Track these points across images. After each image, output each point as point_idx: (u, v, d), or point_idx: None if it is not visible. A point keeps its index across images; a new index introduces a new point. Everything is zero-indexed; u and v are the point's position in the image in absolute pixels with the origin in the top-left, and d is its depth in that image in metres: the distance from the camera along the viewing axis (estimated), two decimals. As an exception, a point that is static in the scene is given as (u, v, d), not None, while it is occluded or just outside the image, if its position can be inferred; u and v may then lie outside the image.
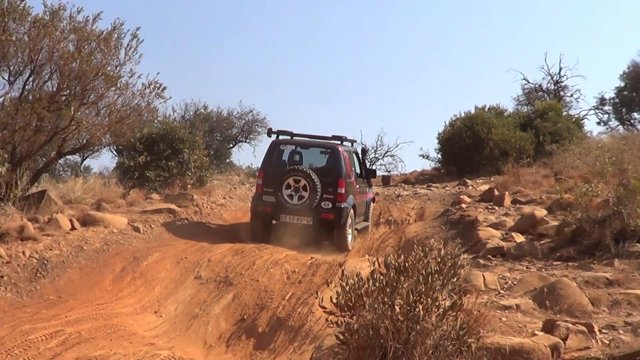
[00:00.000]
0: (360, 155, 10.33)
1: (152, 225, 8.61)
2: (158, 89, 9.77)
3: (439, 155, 18.63)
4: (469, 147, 16.43)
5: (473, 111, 18.30)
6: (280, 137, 9.41)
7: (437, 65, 47.41)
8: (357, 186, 9.44)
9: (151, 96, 9.79)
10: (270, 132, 9.46)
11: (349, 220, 8.83)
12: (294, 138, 9.47)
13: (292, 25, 50.30)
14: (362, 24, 50.12)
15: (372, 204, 10.77)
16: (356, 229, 9.41)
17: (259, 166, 9.42)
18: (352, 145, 9.96)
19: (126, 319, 5.48)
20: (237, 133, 24.78)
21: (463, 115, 17.97)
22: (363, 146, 11.17)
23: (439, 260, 3.30)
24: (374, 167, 18.70)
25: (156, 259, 7.11)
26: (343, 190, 8.64)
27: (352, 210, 8.91)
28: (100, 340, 4.86)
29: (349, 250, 8.78)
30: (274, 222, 8.84)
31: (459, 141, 16.72)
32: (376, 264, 3.31)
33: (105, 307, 5.75)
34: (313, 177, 8.52)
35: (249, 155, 35.59)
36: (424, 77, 46.47)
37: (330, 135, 9.47)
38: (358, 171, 9.83)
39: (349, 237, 8.89)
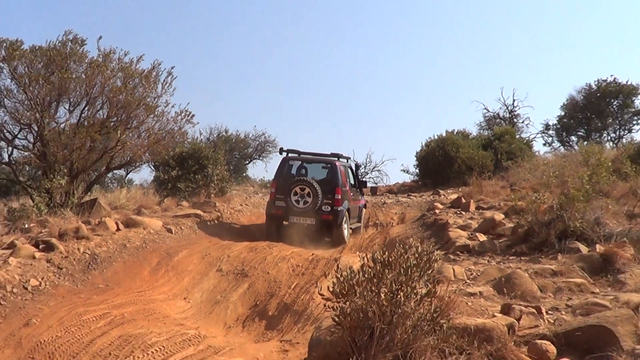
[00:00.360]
0: (354, 169, 10.54)
1: (182, 227, 8.58)
2: (188, 116, 9.87)
3: (417, 170, 18.49)
4: (441, 163, 16.38)
5: (444, 134, 18.14)
6: (290, 155, 9.60)
7: (416, 95, 47.66)
8: (352, 194, 9.61)
9: (182, 122, 9.92)
10: (281, 151, 9.64)
11: (345, 220, 8.99)
12: (300, 155, 9.67)
13: (298, 62, 50.59)
14: (357, 61, 50.38)
15: (364, 209, 10.92)
16: (351, 228, 9.54)
17: (272, 178, 9.55)
18: (347, 161, 10.14)
19: (160, 304, 5.44)
20: (252, 152, 24.57)
21: (436, 137, 17.83)
22: (356, 162, 11.25)
23: (417, 255, 3.28)
24: (365, 179, 18.63)
25: (185, 255, 7.07)
26: (339, 197, 8.84)
27: (347, 213, 9.09)
28: (140, 321, 4.83)
29: (346, 243, 8.86)
30: (284, 222, 8.98)
31: (433, 158, 16.67)
32: (365, 259, 3.30)
33: (144, 294, 5.73)
34: (315, 186, 8.74)
35: (262, 170, 35.67)
36: (406, 105, 46.67)
37: (330, 153, 9.67)
38: (352, 182, 9.98)
39: (345, 233, 9.05)
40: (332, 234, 8.90)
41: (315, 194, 8.73)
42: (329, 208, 8.80)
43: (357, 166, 11.39)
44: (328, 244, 8.80)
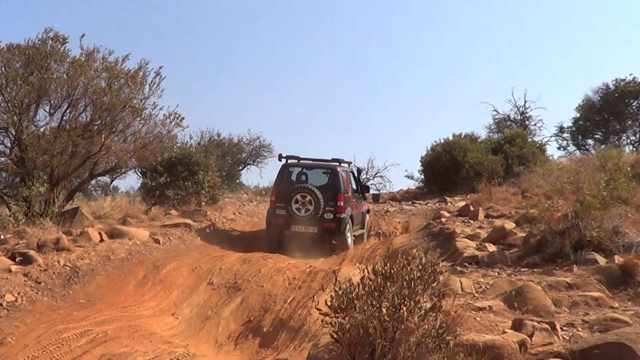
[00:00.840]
0: (355, 174, 10.83)
1: (171, 238, 8.60)
2: (177, 118, 9.91)
3: (422, 176, 18.45)
4: (447, 168, 16.35)
5: (451, 138, 18.11)
6: (289, 161, 9.81)
7: (420, 97, 47.66)
8: (354, 200, 9.90)
9: (171, 125, 9.97)
10: (280, 157, 9.84)
11: (348, 228, 9.31)
12: (300, 161, 9.88)
13: (295, 62, 50.83)
14: (356, 61, 50.66)
15: (367, 215, 11.21)
16: (354, 235, 9.79)
17: (272, 185, 9.90)
18: (349, 166, 10.41)
19: (147, 320, 5.43)
20: (246, 157, 24.59)
21: (442, 141, 17.82)
22: (358, 167, 11.58)
23: (421, 267, 3.28)
24: (367, 184, 18.68)
25: (174, 267, 7.08)
26: (342, 203, 9.14)
27: (350, 220, 9.39)
28: (124, 339, 4.80)
29: (349, 248, 9.13)
30: (285, 231, 9.22)
31: (439, 164, 16.64)
32: (366, 271, 3.30)
33: (129, 309, 5.71)
34: (317, 193, 9.00)
35: (256, 176, 35.52)
36: (410, 107, 46.68)
37: (331, 159, 9.89)
38: (354, 187, 10.24)
39: (349, 241, 9.39)
40: (336, 240, 9.19)
41: (317, 201, 8.98)
42: (332, 215, 9.08)
43: (359, 171, 11.76)
44: (331, 253, 8.93)
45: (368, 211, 11.52)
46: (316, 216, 9.01)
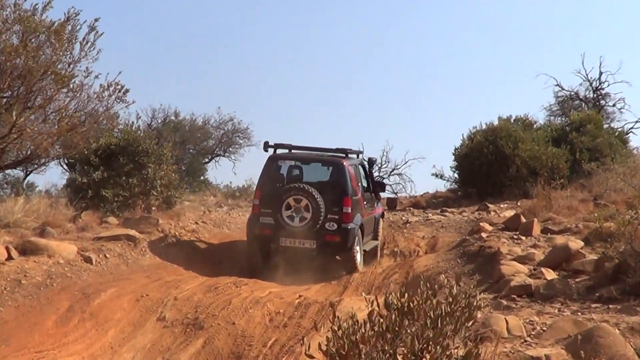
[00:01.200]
0: (367, 167, 11.02)
1: (108, 255, 8.62)
2: (119, 91, 9.86)
3: (455, 175, 18.66)
4: (491, 164, 16.46)
5: (496, 122, 18.34)
6: (278, 152, 9.90)
7: (453, 69, 47.68)
8: (365, 202, 10.05)
9: (110, 100, 9.92)
10: (267, 146, 9.91)
11: (357, 241, 9.46)
12: (293, 152, 10.03)
13: (282, 21, 50.79)
14: (363, 20, 50.67)
15: (381, 221, 11.34)
16: (364, 250, 9.94)
17: (252, 184, 10.39)
18: (358, 157, 10.58)
19: (72, 371, 5.40)
20: (215, 145, 24.84)
21: (484, 127, 18.03)
22: (369, 158, 11.87)
23: (452, 300, 3.34)
24: (382, 180, 18.76)
25: (111, 297, 7.06)
26: (349, 210, 9.22)
27: (359, 231, 9.54)
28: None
29: (358, 272, 9.36)
30: (273, 246, 9.38)
31: (479, 158, 16.75)
32: (375, 303, 3.35)
33: (46, 355, 5.60)
34: (316, 196, 9.04)
35: (228, 172, 35.22)
36: (439, 82, 46.69)
37: (335, 148, 9.99)
38: (365, 185, 10.43)
39: (358, 258, 9.51)
40: (340, 258, 9.45)
41: (316, 206, 9.01)
42: (336, 226, 9.19)
43: (371, 162, 11.92)
44: (329, 277, 9.14)
45: (383, 215, 11.61)
46: (315, 226, 9.07)
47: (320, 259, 9.34)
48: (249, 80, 44.83)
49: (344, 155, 9.85)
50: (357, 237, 9.42)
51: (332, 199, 9.15)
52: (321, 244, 9.16)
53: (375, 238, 10.89)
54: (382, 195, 11.95)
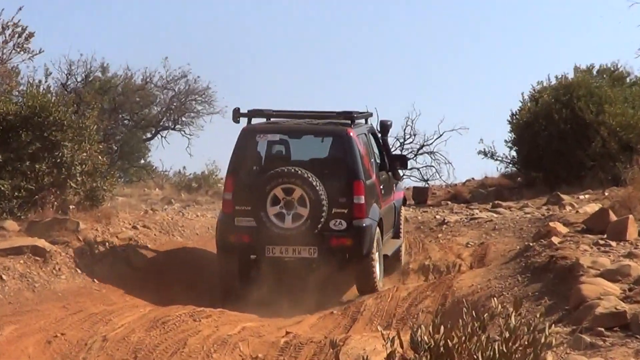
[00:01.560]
0: (378, 136, 9.78)
1: (4, 277, 8.02)
2: (19, 36, 9.43)
3: (513, 153, 16.67)
4: (564, 137, 14.42)
5: (571, 75, 16.27)
6: (255, 122, 8.80)
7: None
8: (381, 187, 8.92)
9: (7, 48, 9.47)
10: (237, 115, 8.75)
11: (376, 245, 8.31)
12: (275, 121, 8.93)
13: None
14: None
15: (402, 209, 10.28)
16: (385, 255, 8.83)
17: (218, 170, 8.95)
18: (367, 123, 9.45)
19: None
20: (160, 114, 21.81)
21: (554, 82, 15.92)
22: (382, 121, 10.22)
23: (508, 335, 3.17)
24: (402, 154, 16.52)
25: (9, 337, 6.50)
26: (362, 200, 8.09)
27: (378, 229, 8.42)
28: None
29: (377, 291, 8.30)
30: (254, 259, 8.53)
31: (548, 127, 14.67)
32: (397, 343, 3.24)
33: None
34: (314, 183, 7.89)
35: (181, 152, 28.56)
36: (485, 18, 39.64)
37: (335, 113, 8.79)
38: (378, 160, 9.30)
39: (377, 270, 8.37)
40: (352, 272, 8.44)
41: (316, 198, 7.87)
42: (344, 224, 8.08)
43: (386, 127, 10.45)
44: (328, 304, 8.12)
45: (405, 202, 10.59)
46: (315, 227, 7.88)
47: (323, 273, 8.14)
48: (209, 17, 39.57)
49: (349, 122, 8.45)
50: (376, 238, 8.20)
51: (337, 185, 7.99)
52: (325, 251, 8.00)
53: (396, 236, 9.70)
54: (407, 182, 10.85)
